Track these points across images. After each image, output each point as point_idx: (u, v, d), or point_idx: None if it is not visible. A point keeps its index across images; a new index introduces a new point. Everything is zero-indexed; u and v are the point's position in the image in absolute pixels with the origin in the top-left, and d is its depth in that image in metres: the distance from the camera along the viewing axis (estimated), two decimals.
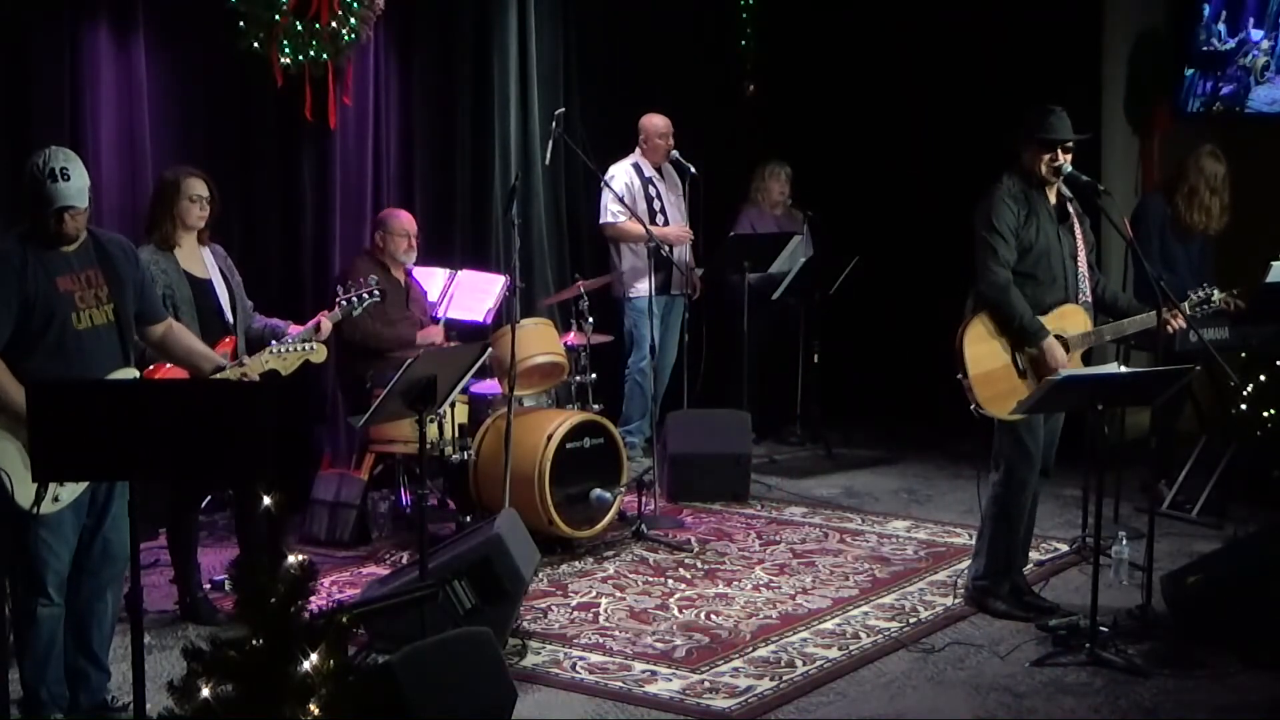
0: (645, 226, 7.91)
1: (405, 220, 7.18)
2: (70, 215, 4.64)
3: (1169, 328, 5.84)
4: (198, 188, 5.87)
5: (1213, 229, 7.45)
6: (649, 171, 8.51)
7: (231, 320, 5.89)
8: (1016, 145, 5.87)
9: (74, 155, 4.72)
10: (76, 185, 4.64)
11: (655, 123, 8.50)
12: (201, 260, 5.90)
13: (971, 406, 5.76)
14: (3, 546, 4.71)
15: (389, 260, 7.12)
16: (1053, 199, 5.87)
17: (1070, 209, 5.92)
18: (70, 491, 4.64)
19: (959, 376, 5.75)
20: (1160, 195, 7.65)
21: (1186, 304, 5.94)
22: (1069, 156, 5.81)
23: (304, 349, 5.67)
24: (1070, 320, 5.82)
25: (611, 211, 8.38)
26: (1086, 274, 5.91)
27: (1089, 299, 5.91)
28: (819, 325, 9.07)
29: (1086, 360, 6.05)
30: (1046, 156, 5.77)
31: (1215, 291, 6.07)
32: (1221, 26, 9.07)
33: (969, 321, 5.77)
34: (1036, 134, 5.78)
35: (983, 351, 5.74)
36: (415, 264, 7.32)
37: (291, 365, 5.64)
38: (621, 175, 8.40)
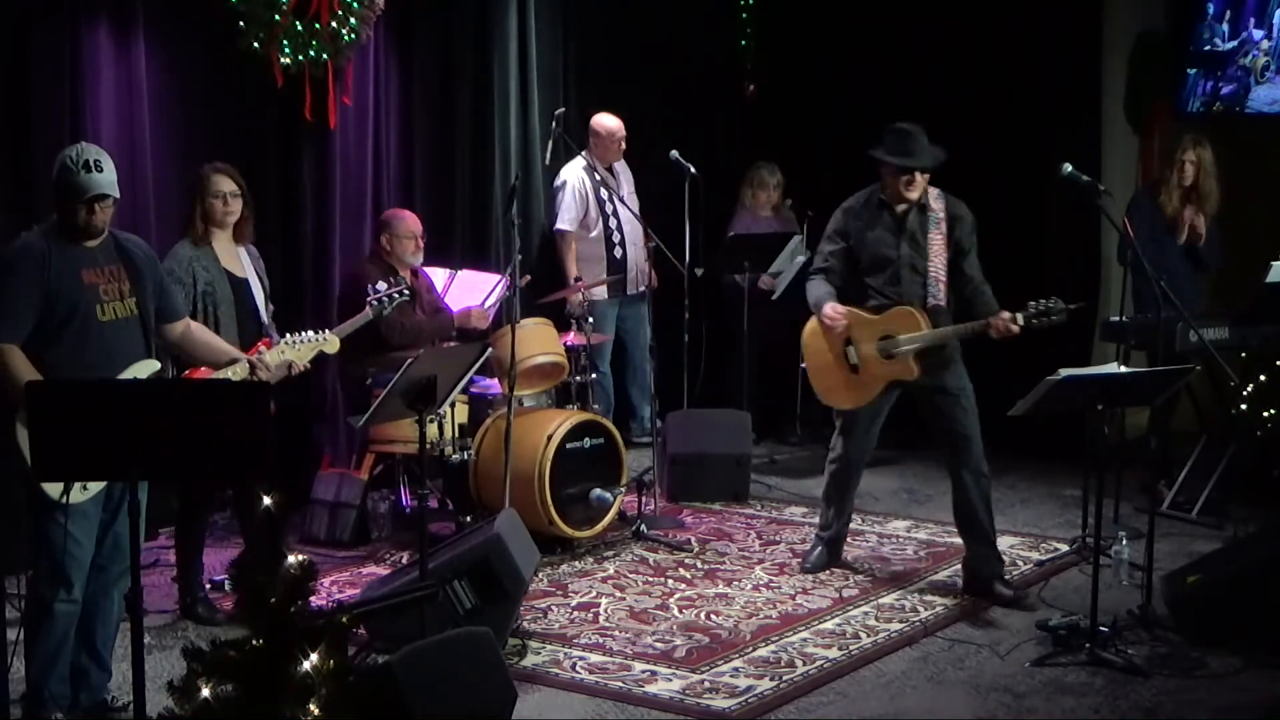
0: (569, 278, 7.97)
1: (411, 222, 7.16)
2: (100, 206, 4.72)
3: (993, 332, 5.93)
4: (222, 184, 5.97)
5: (1180, 209, 7.41)
6: (602, 173, 8.52)
7: (267, 321, 5.92)
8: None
9: (104, 151, 4.82)
10: (109, 177, 4.74)
11: (604, 123, 8.49)
12: (239, 259, 5.98)
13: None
14: (9, 541, 4.73)
15: (396, 263, 7.11)
16: (900, 209, 6.09)
17: (920, 220, 6.09)
18: (97, 481, 4.66)
19: (803, 365, 6.19)
20: (1146, 193, 7.69)
21: (1021, 315, 5.95)
22: (926, 178, 6.08)
23: (319, 339, 5.67)
24: (899, 322, 6.06)
25: (567, 219, 8.38)
26: (940, 279, 6.05)
27: (941, 303, 6.06)
28: None
29: (1081, 361, 6.06)
30: (903, 179, 6.05)
31: (1059, 303, 5.97)
32: (1223, 27, 9.07)
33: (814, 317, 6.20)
34: (890, 157, 6.06)
35: (819, 345, 6.22)
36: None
37: (306, 356, 5.64)
38: (573, 179, 8.41)
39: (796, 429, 9.20)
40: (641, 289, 8.48)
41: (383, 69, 7.87)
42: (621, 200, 8.40)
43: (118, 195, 4.79)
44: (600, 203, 8.44)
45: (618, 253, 8.30)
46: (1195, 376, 6.31)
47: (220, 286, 5.84)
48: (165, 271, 5.62)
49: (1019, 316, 5.91)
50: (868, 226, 6.11)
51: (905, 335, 6.01)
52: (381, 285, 6.68)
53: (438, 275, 7.58)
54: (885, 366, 6.07)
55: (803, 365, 6.20)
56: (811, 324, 6.29)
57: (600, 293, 8.24)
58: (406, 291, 6.36)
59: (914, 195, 6.06)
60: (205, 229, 5.92)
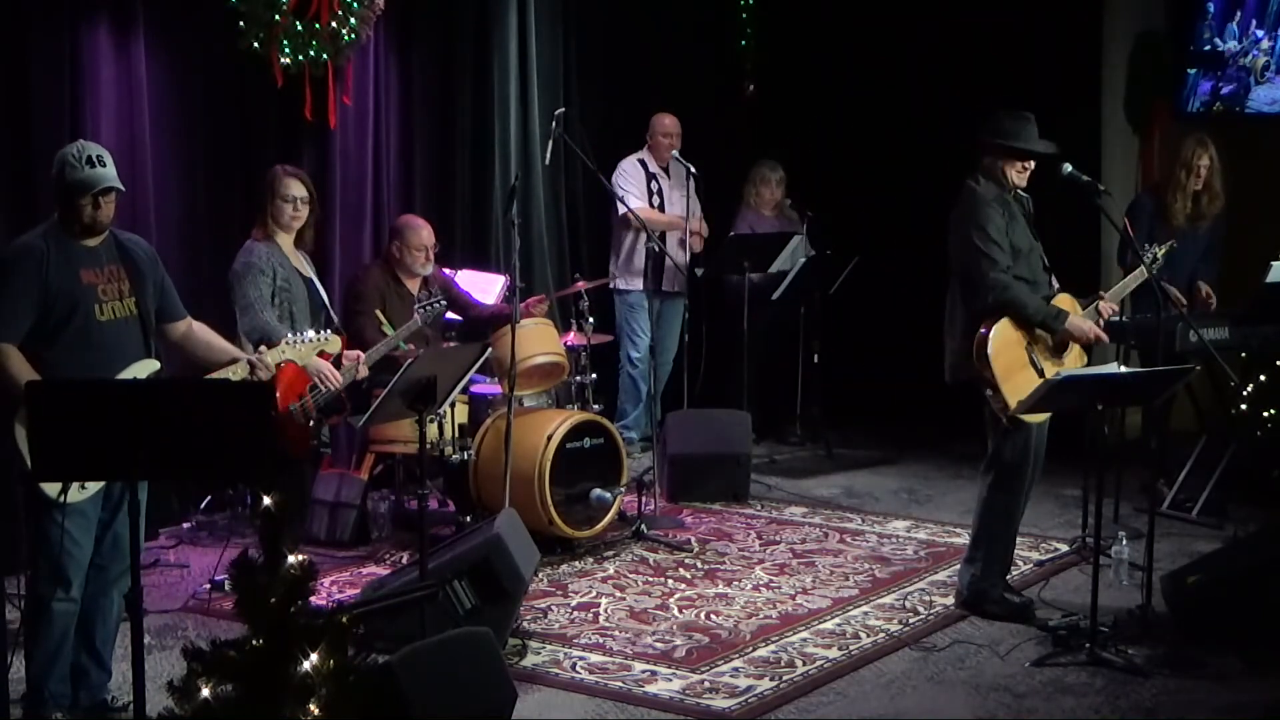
0: (674, 223, 8.12)
1: (424, 234, 7.07)
2: (106, 200, 4.74)
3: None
4: (293, 188, 6.20)
5: (1191, 211, 7.41)
6: (654, 168, 8.68)
7: (336, 318, 6.02)
8: (982, 149, 5.87)
9: (102, 147, 4.84)
10: (112, 171, 4.77)
11: (661, 122, 8.70)
12: (302, 260, 6.22)
13: (1005, 419, 5.71)
14: (9, 541, 4.73)
15: (403, 271, 7.08)
16: (1020, 198, 5.95)
17: (1026, 205, 5.99)
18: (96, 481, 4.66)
19: (988, 393, 5.70)
20: (1148, 193, 7.68)
21: (1148, 258, 6.05)
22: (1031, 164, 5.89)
23: (320, 338, 5.69)
24: (1065, 307, 5.84)
25: (630, 202, 8.40)
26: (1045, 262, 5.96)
27: (1057, 284, 5.98)
28: (819, 325, 9.07)
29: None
30: (1019, 165, 5.83)
31: (1159, 250, 6.22)
32: (1228, 26, 9.07)
33: (982, 337, 5.69)
34: (1010, 143, 5.80)
35: (1004, 363, 5.68)
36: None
37: (307, 356, 5.67)
38: (626, 169, 8.61)
39: (796, 429, 9.21)
40: (677, 288, 8.54)
41: (383, 69, 7.87)
42: (618, 197, 8.41)
43: (123, 188, 4.83)
44: (650, 194, 8.60)
45: (654, 247, 8.32)
46: (1195, 376, 6.31)
47: (295, 283, 6.10)
48: (245, 265, 6.07)
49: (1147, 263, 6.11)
50: (1012, 218, 5.80)
51: (1080, 314, 5.85)
52: (422, 294, 6.98)
53: (486, 280, 7.63)
54: (1063, 362, 5.79)
55: (987, 392, 5.65)
56: (994, 345, 5.64)
57: (636, 284, 8.48)
58: (444, 301, 6.66)
59: (1025, 180, 5.87)
60: (272, 229, 6.13)
